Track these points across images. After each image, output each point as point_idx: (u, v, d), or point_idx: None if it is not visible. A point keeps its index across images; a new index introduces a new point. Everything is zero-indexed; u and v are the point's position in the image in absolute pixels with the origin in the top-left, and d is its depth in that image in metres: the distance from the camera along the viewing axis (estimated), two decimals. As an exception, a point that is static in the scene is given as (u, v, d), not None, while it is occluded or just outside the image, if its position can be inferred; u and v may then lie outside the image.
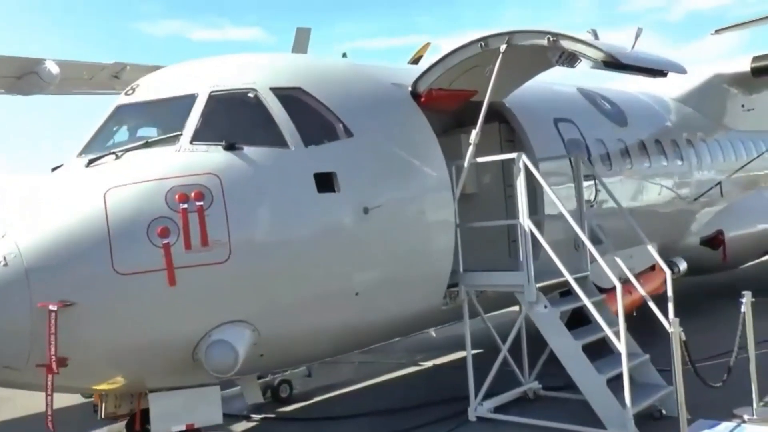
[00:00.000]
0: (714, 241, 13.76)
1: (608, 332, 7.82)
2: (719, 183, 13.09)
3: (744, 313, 8.06)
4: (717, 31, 27.62)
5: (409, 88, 8.23)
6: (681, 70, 7.94)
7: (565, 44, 7.27)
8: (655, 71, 7.84)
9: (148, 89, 7.51)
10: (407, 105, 8.06)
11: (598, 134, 10.77)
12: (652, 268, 12.21)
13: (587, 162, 10.03)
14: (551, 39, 7.29)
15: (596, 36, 8.88)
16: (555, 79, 11.30)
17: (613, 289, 10.85)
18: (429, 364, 11.53)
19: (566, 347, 7.77)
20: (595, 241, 9.82)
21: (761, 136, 16.24)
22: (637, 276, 11.46)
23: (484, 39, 7.71)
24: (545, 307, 7.89)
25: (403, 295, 7.55)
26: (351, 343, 7.89)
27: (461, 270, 8.28)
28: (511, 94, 9.62)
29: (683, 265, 12.67)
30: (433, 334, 9.72)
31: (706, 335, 11.48)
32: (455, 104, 8.77)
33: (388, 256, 7.30)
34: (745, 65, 14.88)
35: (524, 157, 7.88)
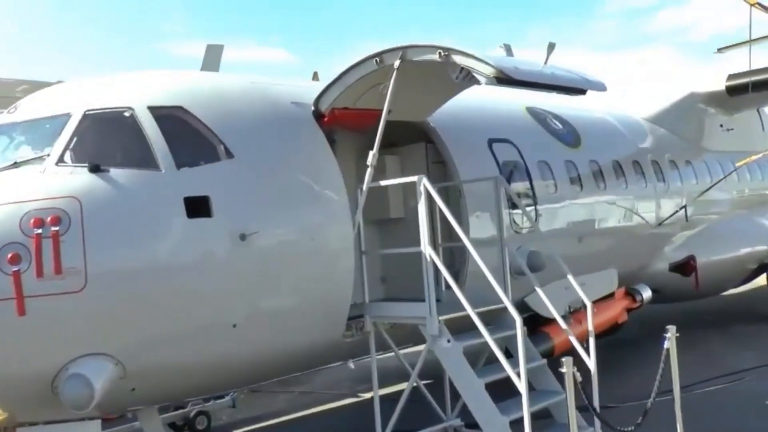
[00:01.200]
0: (685, 267, 13.11)
1: (509, 370, 7.15)
2: (684, 206, 12.44)
3: (667, 350, 7.45)
4: (719, 50, 26.95)
5: (312, 108, 7.81)
6: (597, 87, 7.44)
7: (457, 59, 6.81)
8: (570, 89, 7.38)
9: (28, 108, 7.18)
10: (305, 125, 7.61)
11: (542, 156, 10.24)
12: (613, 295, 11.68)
13: (515, 184, 9.58)
14: (442, 53, 6.84)
15: (510, 52, 8.42)
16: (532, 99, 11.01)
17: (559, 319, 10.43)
18: (368, 395, 11.00)
19: (468, 385, 7.22)
20: (519, 269, 9.28)
21: (741, 156, 15.55)
22: (593, 304, 10.96)
23: (378, 55, 7.27)
24: (448, 341, 7.35)
25: (291, 327, 7.06)
26: (234, 378, 7.41)
27: (366, 300, 7.83)
28: (442, 112, 9.19)
29: (647, 293, 12.04)
30: (351, 365, 9.20)
31: (649, 370, 10.89)
32: (366, 124, 8.31)
33: (270, 285, 6.83)
34: (719, 84, 14.30)
35: (425, 181, 7.40)
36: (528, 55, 8.81)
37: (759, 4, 11.68)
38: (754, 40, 27.68)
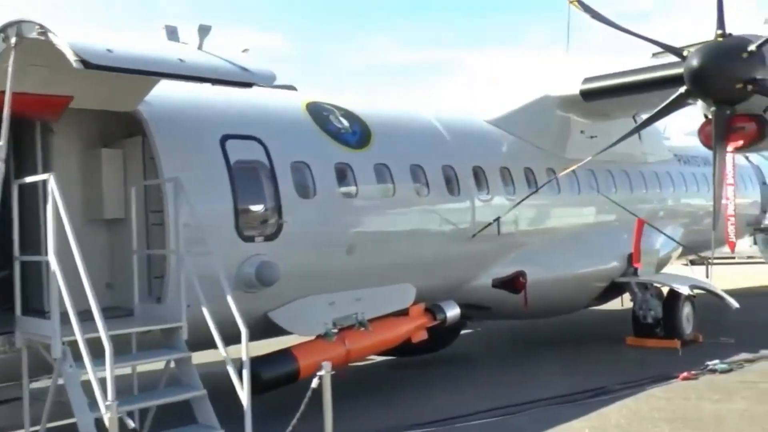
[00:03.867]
0: (513, 283, 12.11)
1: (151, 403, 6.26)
2: (497, 219, 11.42)
3: (314, 389, 6.49)
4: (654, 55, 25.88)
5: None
6: (249, 79, 6.55)
7: (55, 40, 5.90)
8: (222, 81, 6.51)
9: None
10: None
11: (299, 156, 9.29)
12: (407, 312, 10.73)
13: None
14: (40, 31, 5.94)
15: (174, 35, 7.42)
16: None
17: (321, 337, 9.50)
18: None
19: (81, 417, 6.29)
20: (249, 282, 8.39)
21: (606, 165, 14.51)
22: (374, 321, 10.06)
23: (3, 29, 6.36)
24: (71, 366, 6.42)
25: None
26: None
27: (17, 312, 6.94)
28: (169, 104, 8.32)
29: (452, 312, 11.06)
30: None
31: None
32: (48, 112, 7.42)
33: None
34: (574, 88, 13.27)
35: (52, 181, 6.48)
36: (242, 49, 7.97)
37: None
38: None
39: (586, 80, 13.11)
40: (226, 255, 8.15)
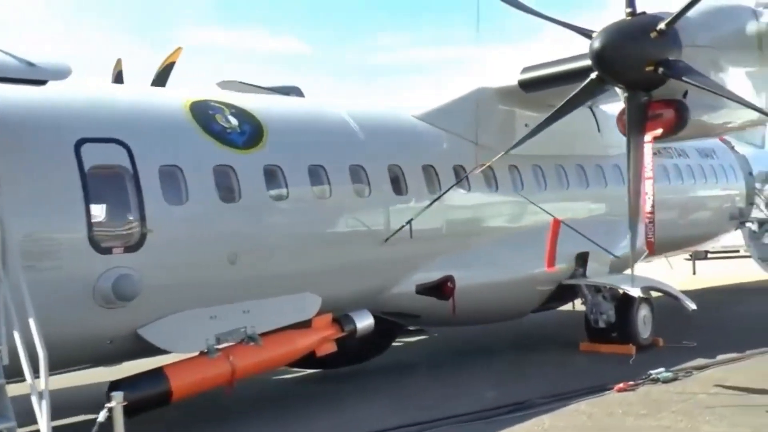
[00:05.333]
0: (441, 289, 11.32)
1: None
2: (410, 221, 10.59)
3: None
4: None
5: None
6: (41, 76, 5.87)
7: None
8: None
9: None
10: None
11: (171, 160, 8.61)
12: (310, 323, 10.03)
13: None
14: None
15: None
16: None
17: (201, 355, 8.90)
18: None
19: None
20: (106, 296, 7.78)
21: (555, 160, 13.64)
22: (268, 335, 9.39)
23: None
24: None
25: None
26: None
27: None
28: (15, 105, 7.72)
29: (363, 322, 10.33)
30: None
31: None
32: None
33: None
34: (512, 78, 12.43)
35: None
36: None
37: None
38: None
39: (525, 70, 12.28)
40: (78, 268, 7.54)
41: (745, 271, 20.14)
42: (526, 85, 12.20)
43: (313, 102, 11.32)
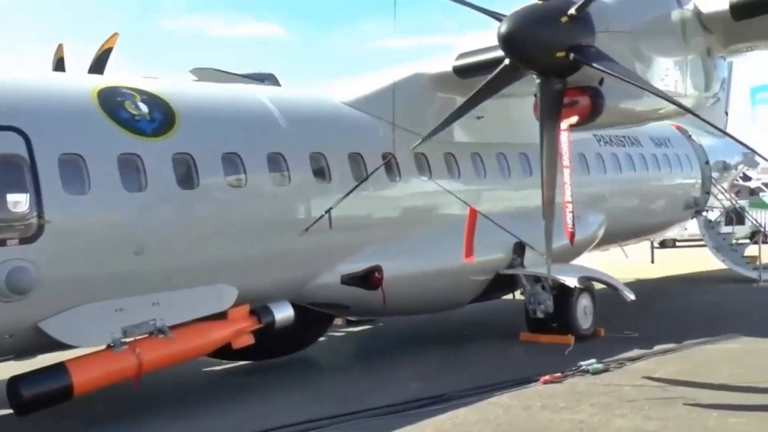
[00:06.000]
0: (369, 279, 11.09)
1: None
2: (329, 210, 10.32)
3: None
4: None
5: None
6: None
7: None
8: None
9: None
10: None
11: (75, 148, 8.33)
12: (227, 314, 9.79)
13: None
14: None
15: None
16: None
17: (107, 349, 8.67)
18: None
19: None
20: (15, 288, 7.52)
21: (498, 148, 13.40)
22: (178, 327, 9.15)
23: None
24: None
25: None
26: None
27: None
28: None
29: (282, 314, 10.09)
30: None
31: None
32: None
33: None
34: (447, 64, 12.16)
35: None
36: None
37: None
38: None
39: (461, 56, 12.00)
40: None
41: (707, 260, 19.99)
42: (461, 71, 11.92)
43: (233, 88, 10.98)
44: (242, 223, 9.83)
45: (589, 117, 8.99)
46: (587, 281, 12.69)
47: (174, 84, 10.41)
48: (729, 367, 10.48)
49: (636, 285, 20.02)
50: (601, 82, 8.82)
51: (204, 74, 15.08)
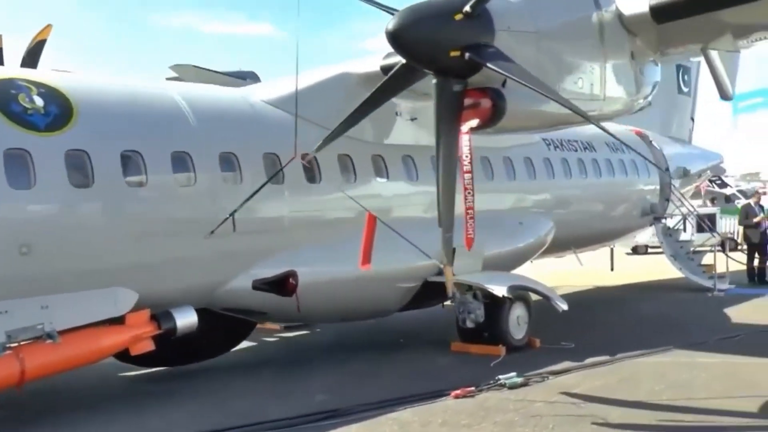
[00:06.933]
0: (282, 285, 10.67)
1: None
2: (232, 213, 9.88)
3: None
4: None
5: None
6: None
7: None
8: None
9: None
10: None
11: None
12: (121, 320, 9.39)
13: None
14: None
15: None
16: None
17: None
18: None
19: None
20: None
21: (428, 151, 12.94)
22: (69, 332, 8.74)
23: None
24: None
25: None
26: None
27: None
28: None
29: (184, 320, 9.71)
30: None
31: None
32: None
33: None
34: (375, 64, 11.74)
35: None
36: None
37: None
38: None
39: (388, 55, 11.53)
40: None
41: (670, 268, 19.58)
42: (388, 71, 11.48)
43: (143, 84, 10.56)
44: (142, 224, 9.42)
45: (491, 120, 8.57)
46: (518, 290, 12.25)
47: (78, 78, 9.99)
48: (651, 383, 10.10)
49: (593, 293, 19.75)
50: (504, 83, 8.40)
51: (184, 71, 14.72)
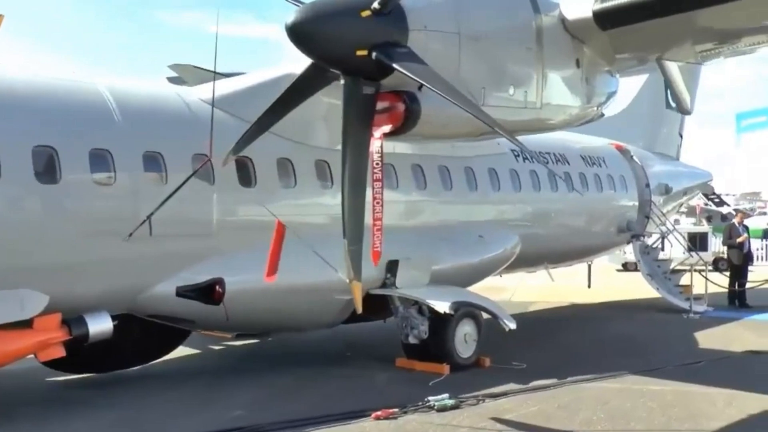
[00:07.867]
0: (210, 293, 10.18)
1: None
2: (149, 216, 9.38)
3: None
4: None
5: None
6: None
7: None
8: None
9: None
10: None
11: None
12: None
13: None
14: None
15: None
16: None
17: None
18: None
19: None
20: None
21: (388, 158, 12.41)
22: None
23: None
24: None
25: None
26: None
27: None
28: None
29: (98, 326, 9.26)
30: None
31: None
32: None
33: None
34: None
35: None
36: None
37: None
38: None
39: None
40: None
41: (647, 287, 18.93)
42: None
43: (67, 78, 10.08)
44: (53, 224, 8.95)
45: (404, 125, 8.04)
46: (462, 306, 11.69)
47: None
48: (590, 411, 9.51)
49: (565, 310, 19.13)
50: (420, 87, 7.87)
51: (182, 70, 14.37)
